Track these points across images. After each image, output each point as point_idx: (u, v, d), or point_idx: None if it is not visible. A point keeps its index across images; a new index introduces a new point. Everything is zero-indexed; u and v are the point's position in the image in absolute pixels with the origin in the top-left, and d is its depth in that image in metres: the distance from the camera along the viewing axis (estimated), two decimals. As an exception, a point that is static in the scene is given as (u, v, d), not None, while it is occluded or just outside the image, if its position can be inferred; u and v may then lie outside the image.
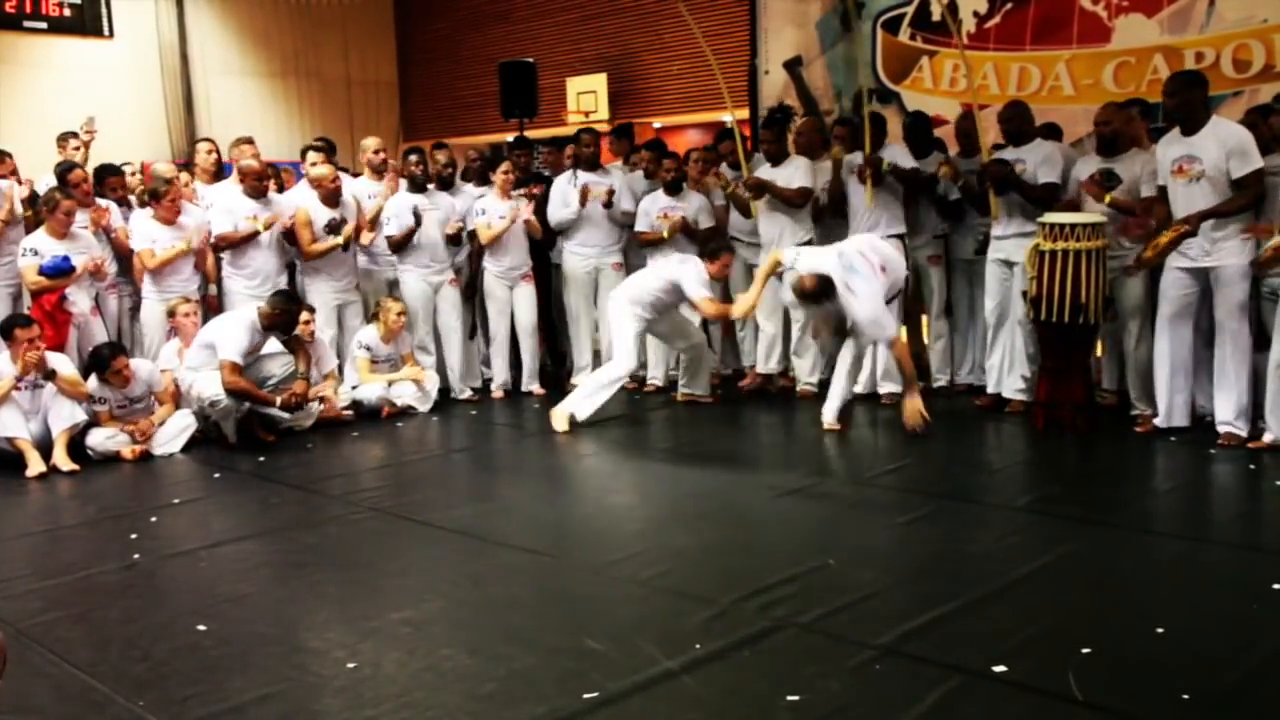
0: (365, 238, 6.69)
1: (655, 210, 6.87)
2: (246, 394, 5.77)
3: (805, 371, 6.70)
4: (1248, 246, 5.04)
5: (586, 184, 6.90)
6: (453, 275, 6.96)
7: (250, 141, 6.94)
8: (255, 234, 6.37)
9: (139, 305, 6.48)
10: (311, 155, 7.14)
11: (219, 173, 7.24)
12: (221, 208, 6.50)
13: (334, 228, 6.58)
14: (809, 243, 6.60)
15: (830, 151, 6.49)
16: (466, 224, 6.93)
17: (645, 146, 7.66)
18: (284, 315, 5.85)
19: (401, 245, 6.74)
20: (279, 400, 5.82)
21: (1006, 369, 6.07)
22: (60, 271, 5.87)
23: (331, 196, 6.61)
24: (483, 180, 7.32)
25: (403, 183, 7.02)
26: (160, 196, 6.20)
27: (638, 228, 6.95)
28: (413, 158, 6.96)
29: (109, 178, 6.79)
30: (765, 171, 6.64)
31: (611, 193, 6.93)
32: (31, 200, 6.37)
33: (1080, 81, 7.00)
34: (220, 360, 5.72)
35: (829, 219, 6.66)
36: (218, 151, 7.28)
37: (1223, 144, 4.98)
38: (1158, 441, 5.31)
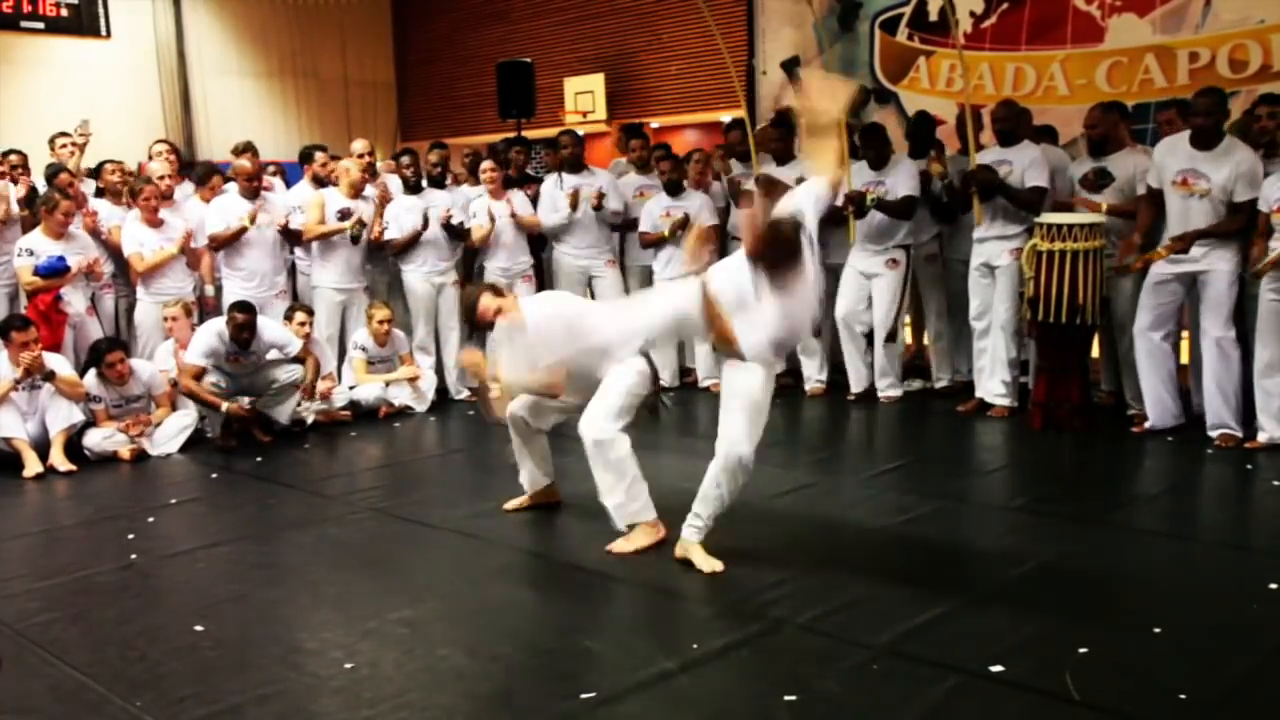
0: (376, 229, 6.71)
1: (658, 211, 6.87)
2: (194, 396, 5.83)
3: (814, 370, 6.75)
4: (1235, 254, 5.06)
5: (577, 188, 6.90)
6: (455, 276, 6.96)
7: (248, 149, 6.90)
8: (243, 230, 6.37)
9: (135, 305, 6.47)
10: (319, 155, 7.10)
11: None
12: (217, 207, 6.52)
13: (345, 216, 6.60)
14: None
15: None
16: (455, 217, 6.87)
17: (655, 146, 7.64)
18: (231, 324, 5.82)
19: (405, 248, 6.76)
20: (224, 406, 5.77)
21: (988, 374, 6.01)
22: (55, 271, 5.87)
23: (355, 189, 6.67)
24: (475, 177, 7.32)
25: (396, 184, 7.00)
26: (136, 195, 6.23)
27: (641, 227, 6.95)
28: (404, 159, 6.96)
29: (108, 163, 6.75)
30: (771, 171, 6.64)
31: (601, 195, 6.92)
32: (29, 200, 6.36)
33: (1074, 82, 7.02)
34: (184, 362, 5.84)
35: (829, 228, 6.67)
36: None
37: (1236, 166, 5.01)
38: (1154, 441, 5.31)
